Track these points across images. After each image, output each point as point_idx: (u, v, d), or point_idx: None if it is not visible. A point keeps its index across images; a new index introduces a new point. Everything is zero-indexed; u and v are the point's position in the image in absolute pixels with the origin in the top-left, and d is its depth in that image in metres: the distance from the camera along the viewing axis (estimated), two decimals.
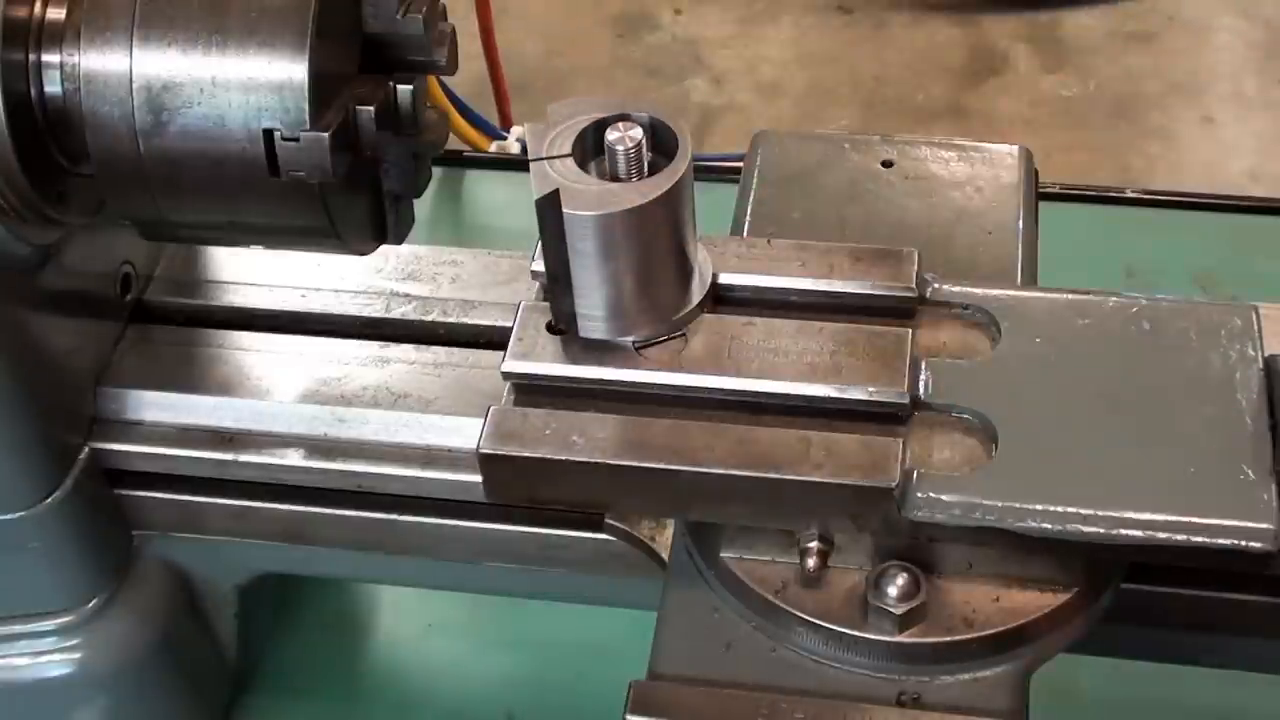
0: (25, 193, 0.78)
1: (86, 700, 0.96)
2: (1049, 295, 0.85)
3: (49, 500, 0.87)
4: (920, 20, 2.36)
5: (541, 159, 0.77)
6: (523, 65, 2.09)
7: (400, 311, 0.95)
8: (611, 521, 0.89)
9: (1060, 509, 0.74)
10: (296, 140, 0.73)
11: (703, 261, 0.84)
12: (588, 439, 0.79)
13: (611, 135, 0.77)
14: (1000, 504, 0.75)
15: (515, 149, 1.55)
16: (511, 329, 0.83)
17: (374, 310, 0.95)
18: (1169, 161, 2.13)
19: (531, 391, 0.82)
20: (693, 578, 0.83)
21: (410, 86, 0.78)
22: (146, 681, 0.98)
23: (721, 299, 0.85)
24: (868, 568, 0.80)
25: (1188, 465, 0.76)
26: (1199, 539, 0.74)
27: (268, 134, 0.74)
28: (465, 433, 0.85)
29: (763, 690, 0.77)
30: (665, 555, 0.88)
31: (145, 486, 0.93)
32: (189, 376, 0.92)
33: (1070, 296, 0.84)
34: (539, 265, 0.81)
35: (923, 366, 0.81)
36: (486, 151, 1.55)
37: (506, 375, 0.82)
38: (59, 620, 0.94)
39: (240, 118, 0.74)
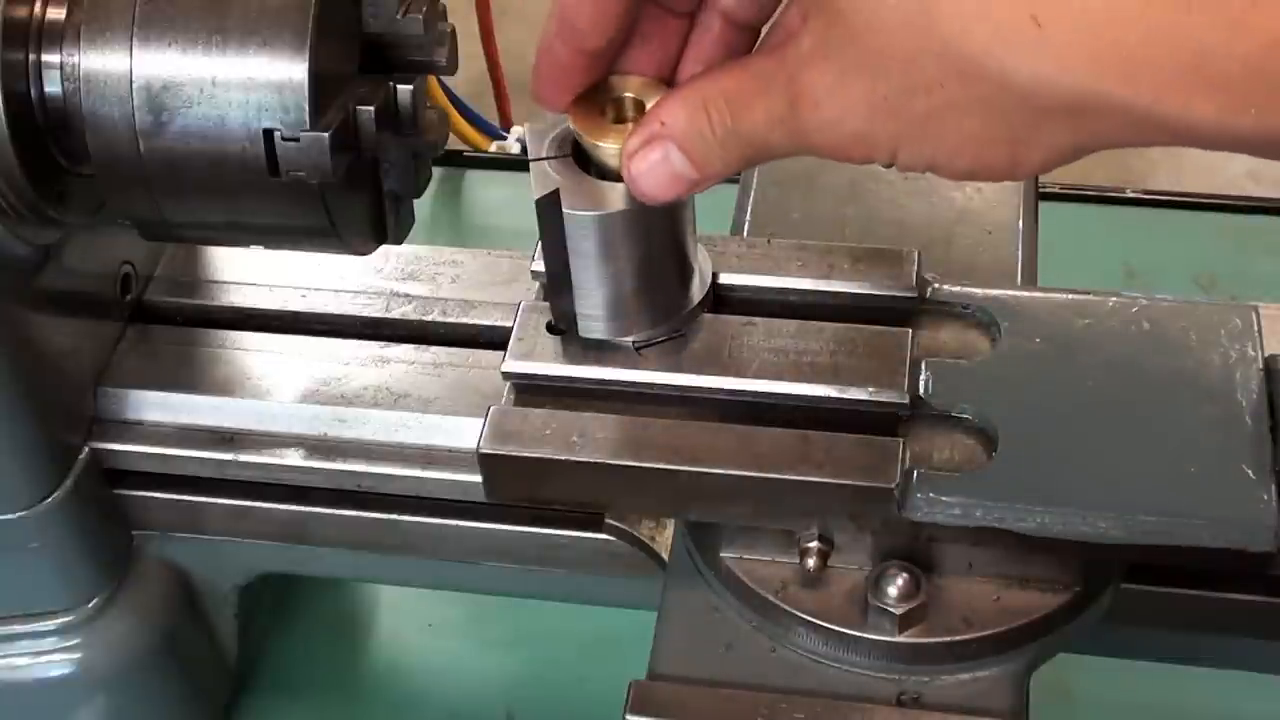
0: (25, 193, 0.78)
1: (86, 700, 0.96)
2: (1049, 295, 0.85)
3: (49, 500, 0.87)
4: None
5: (541, 159, 0.77)
6: (523, 65, 2.08)
7: (400, 311, 0.95)
8: (611, 521, 0.89)
9: (1060, 509, 0.75)
10: (296, 140, 0.73)
11: (703, 261, 0.84)
12: (588, 439, 0.79)
13: None
14: (1000, 504, 0.75)
15: (515, 149, 1.55)
16: (511, 329, 0.83)
17: (374, 310, 0.95)
18: (1169, 161, 2.13)
19: (531, 391, 0.82)
20: (693, 578, 0.83)
21: (410, 86, 0.78)
22: (146, 681, 0.98)
23: (721, 299, 0.85)
24: (868, 568, 0.80)
25: (1188, 465, 0.76)
26: (1199, 539, 0.74)
27: (268, 134, 0.74)
28: (465, 433, 0.85)
29: (763, 690, 0.77)
30: (665, 555, 0.88)
31: (145, 486, 0.92)
32: (189, 376, 0.92)
33: (1070, 296, 0.84)
34: (539, 265, 0.81)
35: (923, 367, 0.81)
36: (486, 151, 1.55)
37: (506, 375, 0.82)
38: (59, 620, 0.94)
39: (240, 118, 0.74)
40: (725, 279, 0.85)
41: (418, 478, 0.89)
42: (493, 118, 1.61)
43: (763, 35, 0.71)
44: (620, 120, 0.74)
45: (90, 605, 0.94)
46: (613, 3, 0.68)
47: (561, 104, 0.73)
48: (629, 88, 0.74)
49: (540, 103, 0.73)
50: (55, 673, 0.95)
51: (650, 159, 0.68)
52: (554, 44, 0.70)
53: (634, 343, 0.81)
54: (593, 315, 0.80)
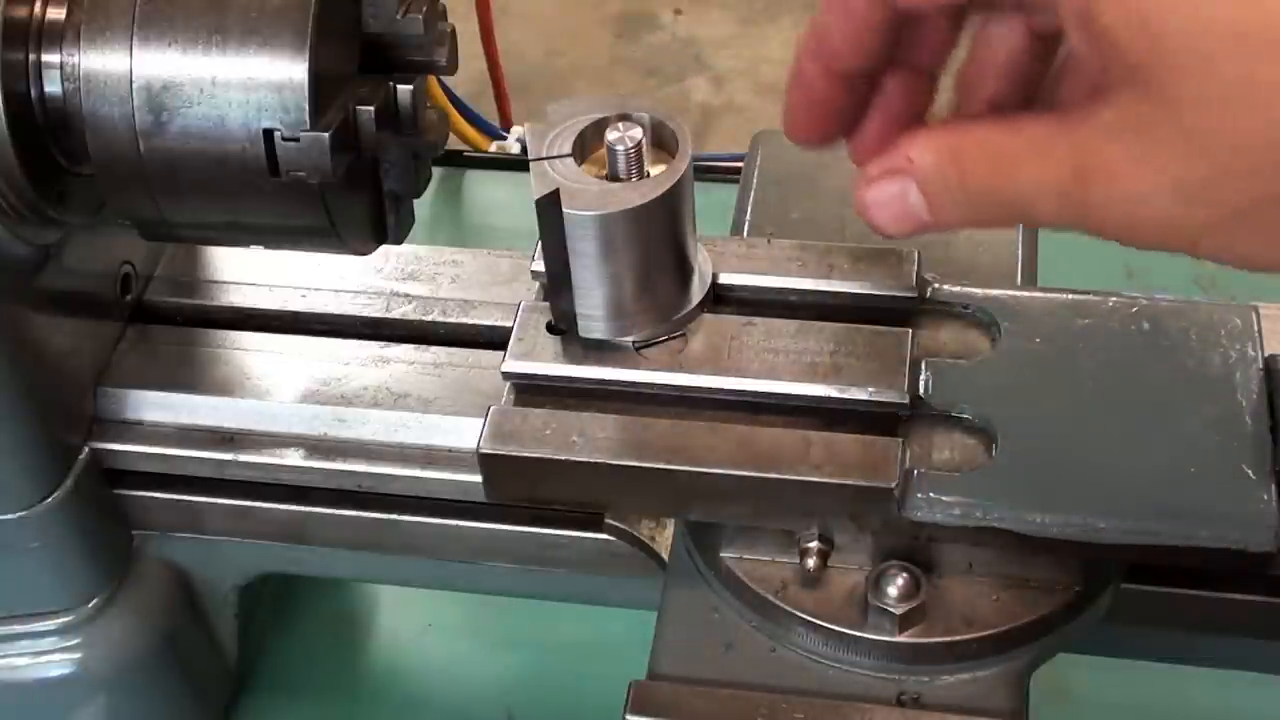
0: (25, 193, 0.78)
1: (86, 700, 0.96)
2: (1049, 295, 0.85)
3: (49, 500, 0.87)
4: None
5: (541, 159, 0.77)
6: (523, 65, 2.09)
7: (400, 311, 0.95)
8: (611, 521, 0.89)
9: (1060, 509, 0.75)
10: (297, 140, 0.73)
11: (703, 261, 0.84)
12: (588, 439, 0.79)
13: (611, 135, 0.77)
14: (1000, 504, 0.75)
15: (515, 149, 1.55)
16: (511, 329, 0.83)
17: (374, 310, 0.95)
18: None
19: (531, 391, 0.82)
20: (693, 578, 0.83)
21: (410, 86, 0.78)
22: (146, 681, 0.98)
23: (721, 299, 0.85)
24: (868, 568, 0.80)
25: (1188, 465, 0.76)
26: (1199, 539, 0.74)
27: (268, 134, 0.74)
28: (465, 433, 0.85)
29: (763, 690, 0.77)
30: (665, 555, 0.88)
31: (145, 486, 0.92)
32: (189, 376, 0.92)
33: (1070, 296, 0.84)
34: (539, 265, 0.81)
35: (923, 366, 0.81)
36: (486, 151, 1.55)
37: (506, 375, 0.82)
38: (59, 620, 0.94)
39: (240, 118, 0.74)
40: (725, 279, 0.85)
41: (418, 478, 0.89)
42: (493, 118, 1.61)
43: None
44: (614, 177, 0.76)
45: (90, 605, 0.94)
46: (873, 15, 0.63)
47: (814, 139, 0.69)
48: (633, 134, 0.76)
49: (792, 137, 0.69)
50: (55, 673, 0.95)
51: (887, 190, 0.65)
52: (805, 65, 0.66)
53: (634, 343, 0.81)
54: (593, 315, 0.80)
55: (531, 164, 0.77)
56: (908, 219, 0.65)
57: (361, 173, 0.79)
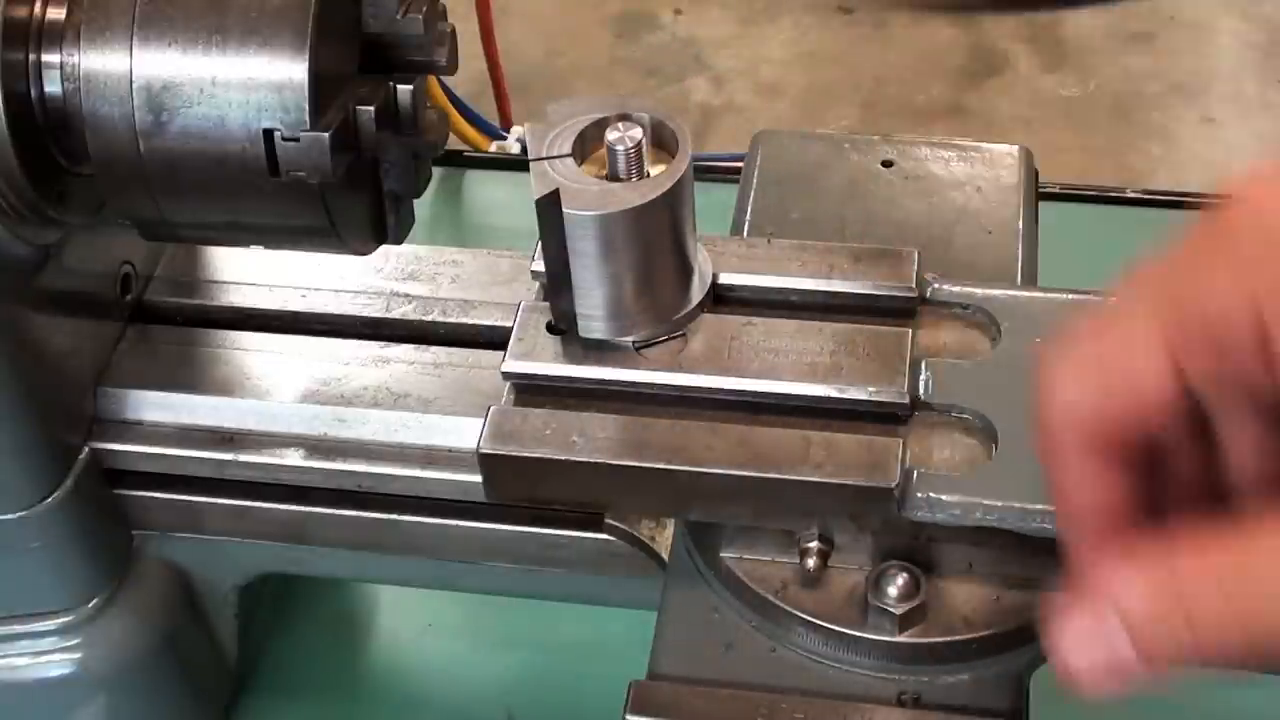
0: (25, 193, 0.78)
1: (86, 700, 0.96)
2: (1049, 295, 0.85)
3: (49, 500, 0.87)
4: (920, 20, 2.36)
5: (541, 159, 0.77)
6: (523, 65, 2.09)
7: (400, 311, 0.95)
8: (611, 521, 0.89)
9: None
10: (297, 140, 0.73)
11: (703, 261, 0.84)
12: (588, 439, 0.79)
13: (611, 135, 0.77)
14: (1000, 504, 0.75)
15: (515, 149, 1.55)
16: (511, 329, 0.83)
17: (374, 310, 0.95)
18: (1169, 162, 2.13)
19: (531, 391, 0.82)
20: (693, 578, 0.83)
21: (410, 86, 0.78)
22: (146, 681, 0.98)
23: (721, 299, 0.85)
24: (868, 568, 0.80)
25: None
26: None
27: (268, 134, 0.74)
28: (465, 433, 0.85)
29: (763, 690, 0.77)
30: (665, 555, 0.88)
31: (145, 486, 0.92)
32: (189, 376, 0.92)
33: (1070, 296, 0.84)
34: (539, 265, 0.81)
35: (923, 366, 0.81)
36: (486, 151, 1.55)
37: (506, 375, 0.82)
38: (59, 620, 0.94)
39: (240, 118, 0.74)
40: (725, 279, 0.85)
41: (418, 478, 0.89)
42: (493, 118, 1.61)
43: None
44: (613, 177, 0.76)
45: (90, 605, 0.94)
46: (1109, 478, 0.55)
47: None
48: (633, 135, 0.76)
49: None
50: (55, 673, 0.95)
51: (1083, 629, 0.53)
52: (1065, 532, 0.60)
53: (634, 343, 0.81)
54: (593, 315, 0.80)
55: (531, 164, 0.77)
56: (1114, 670, 0.53)
57: (361, 173, 0.79)
